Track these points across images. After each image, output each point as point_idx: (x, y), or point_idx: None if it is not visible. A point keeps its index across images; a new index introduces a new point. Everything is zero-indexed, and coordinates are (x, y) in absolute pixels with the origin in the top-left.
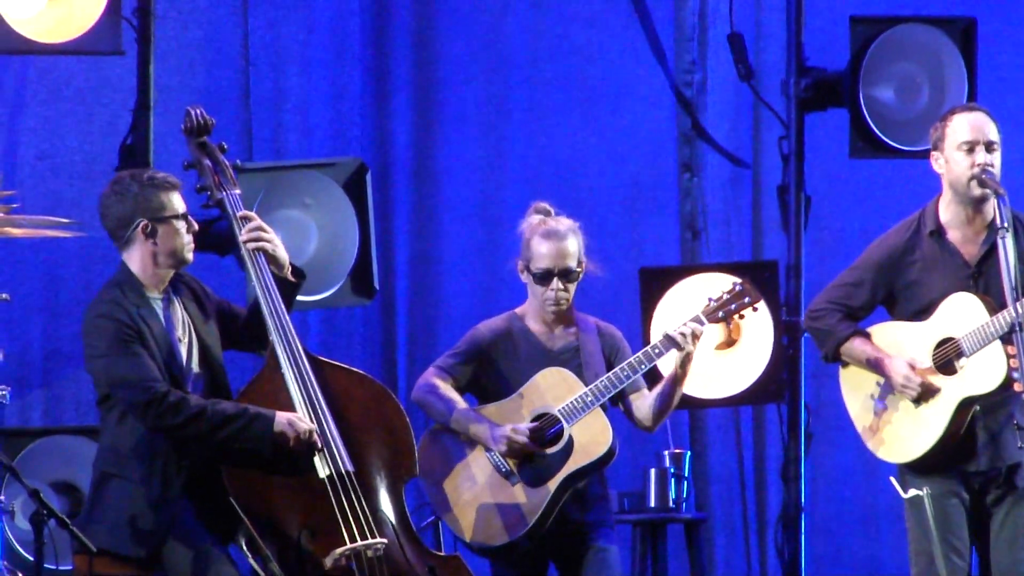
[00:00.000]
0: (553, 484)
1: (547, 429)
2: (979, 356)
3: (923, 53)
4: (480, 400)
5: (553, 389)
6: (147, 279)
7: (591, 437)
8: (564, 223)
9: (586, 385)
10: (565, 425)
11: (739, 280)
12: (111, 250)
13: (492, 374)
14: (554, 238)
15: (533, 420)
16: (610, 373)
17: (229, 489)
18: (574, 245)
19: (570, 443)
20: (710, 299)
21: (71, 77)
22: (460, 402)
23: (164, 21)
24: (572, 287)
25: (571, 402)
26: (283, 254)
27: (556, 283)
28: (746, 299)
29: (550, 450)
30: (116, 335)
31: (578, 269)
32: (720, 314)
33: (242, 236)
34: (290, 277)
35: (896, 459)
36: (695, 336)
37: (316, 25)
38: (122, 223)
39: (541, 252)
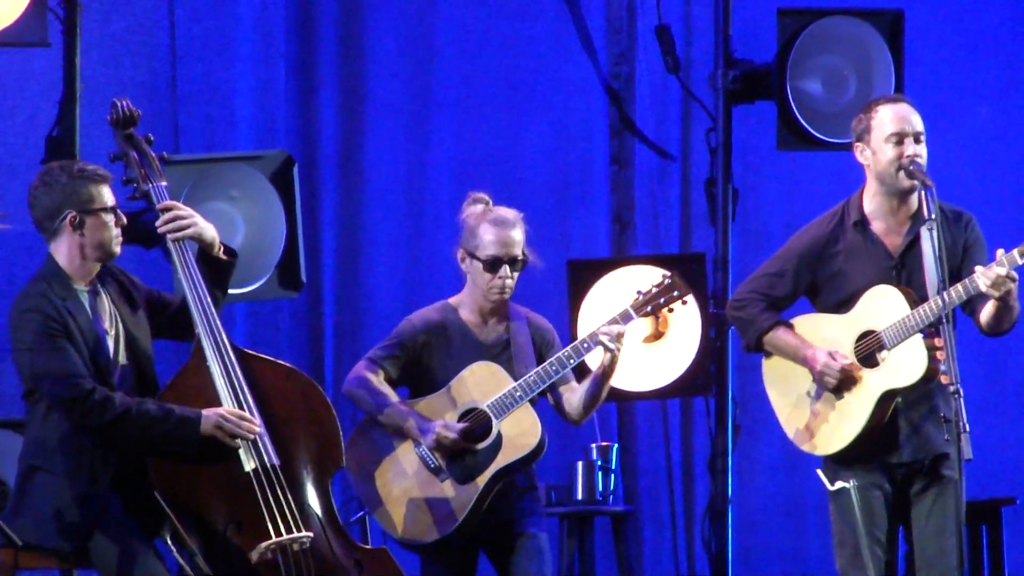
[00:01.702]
0: (482, 480)
1: (477, 426)
2: (900, 349)
3: (850, 45)
4: (412, 392)
5: (482, 384)
6: (74, 271)
7: (520, 433)
8: (511, 212)
9: (516, 378)
10: (494, 421)
11: (668, 273)
12: (35, 242)
13: (424, 367)
14: (503, 226)
15: (462, 415)
16: (538, 368)
17: (154, 483)
18: (520, 234)
19: (499, 439)
20: (639, 292)
21: None
22: (391, 396)
23: (89, 12)
24: (516, 276)
25: (499, 397)
26: (209, 234)
27: (504, 270)
28: (675, 292)
29: (479, 446)
30: (42, 329)
31: (523, 258)
32: (649, 308)
33: (159, 225)
34: (221, 255)
35: (818, 451)
36: (619, 336)
37: (241, 18)
38: (50, 214)
39: (490, 239)
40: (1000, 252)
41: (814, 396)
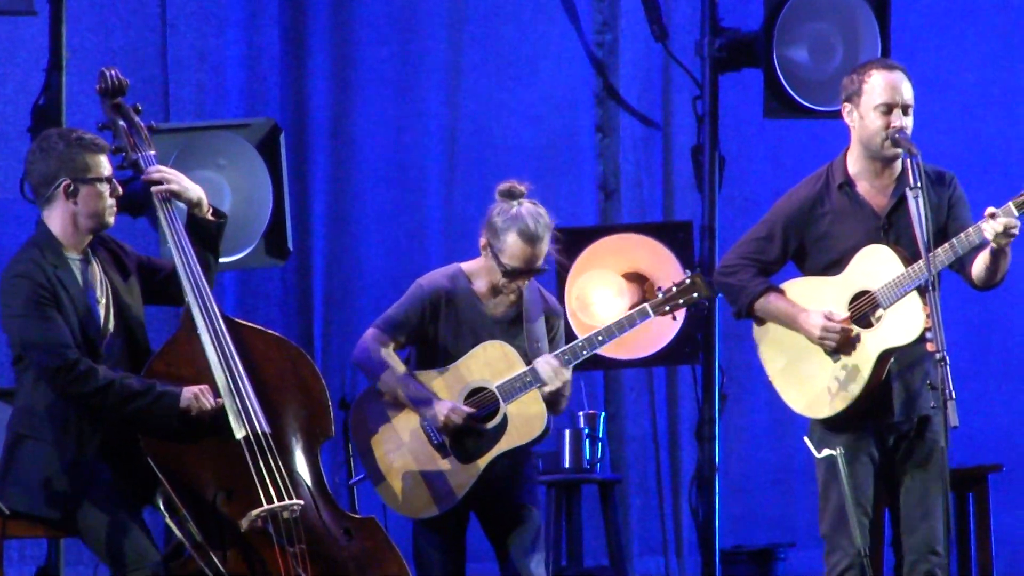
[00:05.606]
0: (484, 461)
1: (484, 406)
2: (896, 308)
3: (837, 13)
4: (418, 354)
5: (492, 364)
6: (66, 239)
7: (526, 418)
8: (542, 223)
9: (526, 355)
10: (501, 403)
11: (691, 273)
12: (24, 211)
13: (429, 333)
14: (531, 243)
15: (470, 394)
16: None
17: (146, 450)
18: (546, 245)
19: (504, 421)
20: (659, 290)
21: None
22: (399, 367)
23: None
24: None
25: (509, 380)
26: (194, 193)
27: (523, 279)
28: (695, 294)
29: (485, 426)
30: (32, 296)
31: (545, 267)
32: (667, 307)
33: (144, 178)
34: (209, 216)
35: (817, 414)
36: (558, 375)
37: None
38: (45, 181)
39: (516, 253)
40: (992, 208)
41: (809, 360)
